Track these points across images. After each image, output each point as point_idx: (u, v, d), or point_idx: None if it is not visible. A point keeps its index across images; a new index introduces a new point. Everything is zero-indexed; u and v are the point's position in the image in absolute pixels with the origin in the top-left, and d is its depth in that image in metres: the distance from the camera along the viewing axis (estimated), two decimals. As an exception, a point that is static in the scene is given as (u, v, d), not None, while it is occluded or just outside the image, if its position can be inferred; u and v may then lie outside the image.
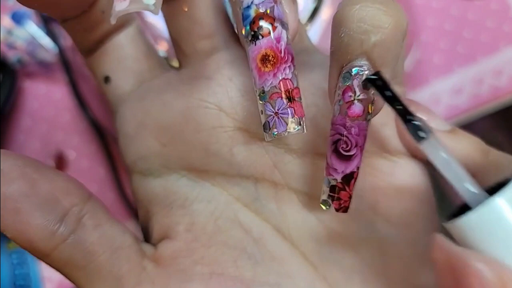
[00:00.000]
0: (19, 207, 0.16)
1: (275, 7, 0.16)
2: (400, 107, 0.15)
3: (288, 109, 0.16)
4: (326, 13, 0.28)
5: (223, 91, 0.18)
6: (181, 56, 0.20)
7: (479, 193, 0.14)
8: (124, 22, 0.20)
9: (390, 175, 0.19)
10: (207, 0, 0.19)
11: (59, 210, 0.16)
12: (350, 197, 0.17)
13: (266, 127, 0.16)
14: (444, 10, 0.41)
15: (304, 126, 0.16)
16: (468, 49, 0.41)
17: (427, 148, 0.15)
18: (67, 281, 0.41)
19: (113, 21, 0.16)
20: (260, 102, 0.16)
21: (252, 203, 0.19)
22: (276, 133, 0.16)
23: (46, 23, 0.39)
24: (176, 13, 0.19)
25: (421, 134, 0.15)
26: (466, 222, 0.14)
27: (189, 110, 0.18)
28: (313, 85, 0.18)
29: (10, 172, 0.16)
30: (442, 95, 0.41)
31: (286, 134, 0.16)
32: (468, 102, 0.41)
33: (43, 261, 0.17)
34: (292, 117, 0.16)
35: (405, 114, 0.15)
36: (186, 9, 0.19)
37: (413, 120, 0.15)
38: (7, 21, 0.40)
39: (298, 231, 0.19)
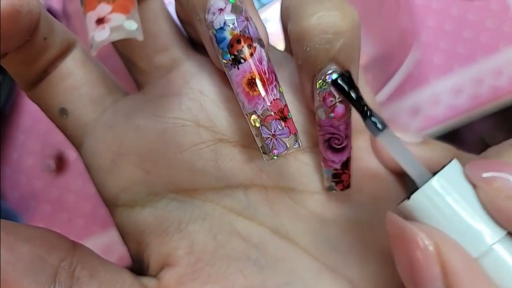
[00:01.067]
0: (6, 278, 0.14)
1: (249, 25, 0.16)
2: (361, 107, 0.16)
3: (284, 129, 0.16)
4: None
5: (196, 106, 0.18)
6: (138, 74, 0.19)
7: (427, 177, 0.16)
8: (67, 45, 0.18)
9: (370, 155, 0.20)
10: (157, 11, 0.18)
11: (48, 270, 0.15)
12: (349, 176, 0.18)
13: (266, 149, 0.16)
14: (444, 10, 0.41)
15: (300, 141, 0.17)
16: (468, 49, 0.41)
17: (383, 140, 0.16)
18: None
19: (93, 53, 0.15)
20: (254, 125, 0.16)
21: (245, 211, 0.19)
22: (277, 154, 0.16)
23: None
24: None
25: (378, 127, 0.16)
26: (411, 203, 0.16)
27: (166, 132, 0.18)
28: (284, 83, 0.18)
29: None
30: (442, 95, 0.41)
31: (287, 153, 0.16)
32: (468, 102, 0.41)
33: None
34: (288, 136, 0.16)
35: (364, 112, 0.16)
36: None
37: (371, 116, 0.16)
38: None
39: (294, 227, 0.19)
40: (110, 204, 0.19)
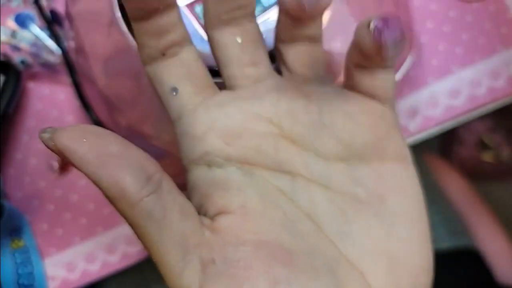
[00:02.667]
0: (118, 163, 0.19)
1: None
2: None
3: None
4: (325, 17, 0.29)
5: (272, 109, 0.23)
6: (229, 77, 0.24)
7: None
8: (187, 37, 0.23)
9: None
10: (257, 34, 0.23)
11: (146, 172, 0.20)
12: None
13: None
14: (442, 12, 0.41)
15: None
16: (466, 51, 0.41)
17: None
18: (70, 280, 0.42)
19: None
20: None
21: (289, 193, 0.23)
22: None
23: (49, 25, 0.40)
24: (229, 43, 0.23)
25: None
26: None
27: (248, 121, 0.23)
28: None
29: (108, 136, 0.20)
30: (440, 96, 0.41)
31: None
32: (466, 104, 0.41)
33: (126, 212, 0.20)
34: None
35: None
36: (239, 41, 0.23)
37: None
38: (10, 23, 0.40)
39: (324, 216, 0.23)
40: (192, 163, 0.23)
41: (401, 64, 0.33)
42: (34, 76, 0.42)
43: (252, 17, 0.23)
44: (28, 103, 0.42)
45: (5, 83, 0.40)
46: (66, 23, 0.34)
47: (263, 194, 0.22)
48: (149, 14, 0.21)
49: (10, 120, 0.42)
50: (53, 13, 0.41)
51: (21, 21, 0.40)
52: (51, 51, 0.40)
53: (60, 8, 0.42)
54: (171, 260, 0.20)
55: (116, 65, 0.30)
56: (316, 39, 0.24)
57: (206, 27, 0.23)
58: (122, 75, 0.30)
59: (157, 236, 0.20)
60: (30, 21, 0.40)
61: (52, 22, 0.40)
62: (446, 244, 0.57)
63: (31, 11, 0.41)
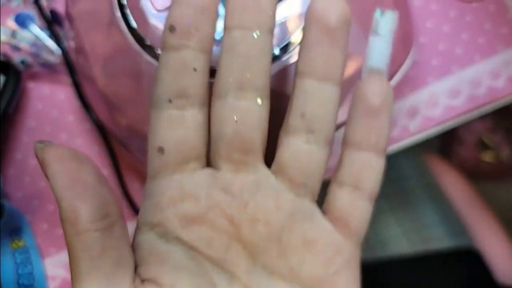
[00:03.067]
0: (83, 192, 0.20)
1: None
2: None
3: None
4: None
5: (238, 210, 0.23)
6: (215, 153, 0.23)
7: None
8: (199, 97, 0.23)
9: None
10: (256, 120, 0.22)
11: (104, 210, 0.20)
12: None
13: None
14: (442, 12, 0.41)
15: None
16: (466, 51, 0.41)
17: None
18: (69, 280, 0.42)
19: None
20: None
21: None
22: None
23: (50, 25, 0.40)
24: (226, 120, 0.22)
25: None
26: None
27: (211, 213, 0.23)
28: None
29: (89, 167, 0.21)
30: (440, 96, 0.41)
31: None
32: (466, 104, 0.41)
33: (70, 238, 0.20)
34: None
35: None
36: (236, 120, 0.22)
37: None
38: (10, 23, 0.40)
39: None
40: (146, 225, 0.23)
41: (401, 64, 0.33)
42: (34, 76, 0.42)
43: (267, 99, 0.22)
44: (28, 103, 0.42)
45: (5, 83, 0.40)
46: (66, 23, 0.34)
47: (197, 283, 0.22)
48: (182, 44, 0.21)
49: (10, 120, 0.42)
50: (53, 13, 0.41)
51: (21, 21, 0.40)
52: (51, 51, 0.40)
53: (59, 8, 0.42)
54: None
55: (116, 65, 0.30)
56: (324, 141, 0.23)
57: (213, 94, 0.23)
58: (122, 75, 0.30)
59: (85, 270, 0.20)
60: (30, 21, 0.40)
61: (52, 22, 0.40)
62: (446, 244, 0.57)
63: (31, 11, 0.41)
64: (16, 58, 0.40)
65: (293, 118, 0.23)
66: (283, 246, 0.23)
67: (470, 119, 0.42)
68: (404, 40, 0.33)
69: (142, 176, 0.42)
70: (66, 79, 0.41)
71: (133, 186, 0.41)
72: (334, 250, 0.23)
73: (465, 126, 0.94)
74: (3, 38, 0.40)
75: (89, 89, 0.32)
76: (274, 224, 0.23)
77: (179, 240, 0.22)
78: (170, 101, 0.22)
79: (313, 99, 0.22)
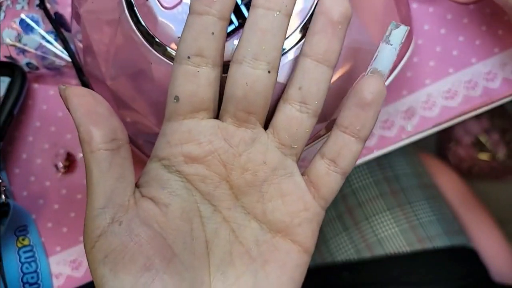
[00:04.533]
0: (98, 119, 0.25)
1: None
2: None
3: None
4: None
5: (232, 159, 0.27)
6: (224, 109, 0.27)
7: None
8: (215, 57, 0.26)
9: None
10: (268, 86, 0.26)
11: (114, 135, 0.25)
12: None
13: None
14: (439, 14, 0.42)
15: None
16: (464, 53, 0.42)
17: None
18: (75, 277, 0.42)
19: None
20: None
21: (205, 218, 0.28)
22: None
23: (55, 28, 0.40)
24: (238, 83, 0.26)
25: None
26: None
27: (209, 157, 0.27)
28: None
29: (102, 102, 0.26)
30: (437, 97, 0.42)
31: None
32: (462, 105, 0.42)
33: (85, 154, 0.25)
34: None
35: None
36: (246, 84, 0.26)
37: None
38: (15, 26, 0.41)
39: (216, 248, 0.28)
40: (156, 157, 0.27)
41: (398, 62, 0.34)
42: (39, 77, 0.43)
43: (275, 71, 0.26)
44: (33, 104, 0.43)
45: (11, 84, 0.40)
46: (73, 24, 0.34)
47: (186, 207, 0.27)
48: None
49: (16, 121, 0.42)
50: (58, 15, 0.41)
51: (26, 24, 0.41)
52: (56, 54, 0.40)
53: (62, 10, 0.42)
54: (94, 203, 0.25)
55: (125, 62, 0.30)
56: (313, 113, 0.27)
57: (231, 59, 0.26)
58: (131, 73, 0.30)
59: (95, 180, 0.25)
60: (35, 24, 0.41)
61: (57, 24, 0.40)
62: (442, 242, 0.57)
63: (36, 14, 0.41)
64: (21, 60, 0.41)
65: (291, 90, 0.27)
66: (262, 194, 0.28)
67: (467, 119, 0.43)
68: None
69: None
70: (71, 80, 0.42)
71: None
72: (303, 206, 0.28)
73: (462, 126, 0.95)
74: (9, 41, 0.40)
75: (97, 88, 0.33)
76: (260, 175, 0.28)
77: (179, 173, 0.27)
78: (188, 57, 0.25)
79: (310, 76, 0.26)
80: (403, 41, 0.27)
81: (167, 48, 0.29)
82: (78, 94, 0.25)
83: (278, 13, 0.25)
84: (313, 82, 0.26)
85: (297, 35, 0.29)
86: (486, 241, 0.63)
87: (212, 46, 0.25)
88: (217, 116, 0.28)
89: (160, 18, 0.29)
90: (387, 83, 0.33)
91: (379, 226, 0.58)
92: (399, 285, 0.56)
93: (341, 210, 0.60)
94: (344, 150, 0.27)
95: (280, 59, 0.26)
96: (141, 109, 0.31)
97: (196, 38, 0.25)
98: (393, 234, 0.57)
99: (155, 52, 0.29)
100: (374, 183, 0.60)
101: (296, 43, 0.29)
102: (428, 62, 0.42)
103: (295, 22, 0.29)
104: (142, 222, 0.26)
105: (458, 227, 0.60)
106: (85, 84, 0.38)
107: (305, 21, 0.29)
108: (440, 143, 0.99)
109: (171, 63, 0.29)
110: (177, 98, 0.26)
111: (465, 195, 0.66)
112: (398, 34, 0.27)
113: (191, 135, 0.27)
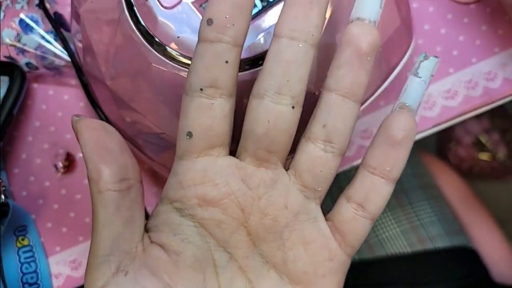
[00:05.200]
0: (107, 157, 0.23)
1: None
2: None
3: None
4: (327, 12, 0.29)
5: (251, 202, 0.25)
6: (243, 147, 0.25)
7: None
8: (228, 88, 0.24)
9: None
10: (287, 124, 0.24)
11: (124, 174, 0.23)
12: None
13: None
14: (440, 14, 0.42)
15: None
16: (464, 53, 0.42)
17: None
18: (74, 277, 0.42)
19: None
20: None
21: (219, 267, 0.25)
22: None
23: (55, 27, 0.40)
24: (259, 120, 0.24)
25: None
26: None
27: (226, 199, 0.25)
28: None
29: (115, 136, 0.24)
30: (437, 97, 0.42)
31: None
32: (463, 105, 0.42)
33: (93, 194, 0.23)
34: None
35: None
36: (269, 122, 0.24)
37: None
38: (15, 26, 0.41)
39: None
40: (167, 199, 0.25)
41: (398, 62, 0.34)
42: (38, 77, 0.43)
43: (299, 106, 0.24)
44: (33, 104, 0.43)
45: (10, 84, 0.40)
46: (73, 23, 0.34)
47: (199, 255, 0.25)
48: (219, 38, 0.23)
49: (15, 120, 0.42)
50: (57, 15, 0.41)
51: (26, 23, 0.41)
52: (56, 53, 0.40)
53: (62, 10, 0.42)
54: (99, 249, 0.23)
55: (124, 62, 0.30)
56: (339, 152, 0.25)
57: (251, 92, 0.24)
58: (131, 72, 0.30)
59: (101, 224, 0.23)
60: (34, 23, 0.41)
61: (56, 24, 0.40)
62: (443, 243, 0.57)
63: (36, 13, 0.41)
64: (21, 60, 0.41)
65: (315, 127, 0.25)
66: (283, 241, 0.25)
67: (467, 119, 0.43)
68: (406, 28, 0.34)
69: (150, 172, 0.42)
70: (71, 80, 0.42)
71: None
72: (328, 256, 0.26)
73: (462, 126, 0.95)
74: (8, 41, 0.40)
75: (97, 88, 0.33)
76: (280, 220, 0.25)
77: (193, 217, 0.25)
78: (201, 89, 0.23)
79: (335, 112, 0.24)
80: (433, 73, 0.25)
81: (167, 48, 0.29)
82: (90, 127, 0.23)
83: (303, 43, 0.23)
84: (339, 119, 0.24)
85: None
86: (486, 241, 0.63)
87: (227, 76, 0.23)
88: (230, 151, 0.26)
89: (160, 18, 0.29)
90: (386, 84, 0.33)
91: (380, 227, 0.58)
92: (400, 285, 0.56)
93: None
94: (373, 193, 0.25)
95: (305, 92, 0.24)
96: (141, 109, 0.31)
97: (209, 68, 0.23)
98: (394, 235, 0.57)
99: (155, 52, 0.29)
100: None
101: None
102: (428, 62, 0.42)
103: None
104: (150, 272, 0.24)
105: (458, 227, 0.60)
106: (84, 84, 0.38)
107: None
108: (440, 143, 0.98)
109: (171, 63, 0.29)
110: (190, 134, 0.24)
111: (466, 195, 0.66)
112: (428, 66, 0.25)
113: (207, 175, 0.24)
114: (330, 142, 0.24)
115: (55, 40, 0.40)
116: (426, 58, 0.25)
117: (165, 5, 0.29)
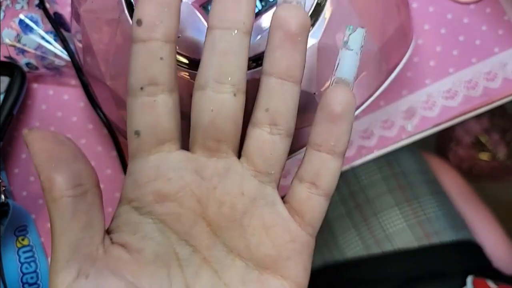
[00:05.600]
0: (59, 166, 0.23)
1: None
2: None
3: None
4: (327, 12, 0.29)
5: (207, 192, 0.25)
6: (193, 140, 0.25)
7: None
8: (169, 83, 0.24)
9: None
10: (231, 112, 0.24)
11: (78, 180, 0.23)
12: None
13: None
14: (440, 14, 0.42)
15: None
16: (464, 53, 0.42)
17: None
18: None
19: None
20: None
21: (183, 261, 0.25)
22: None
23: (55, 27, 0.40)
24: (203, 110, 0.24)
25: None
26: None
27: (182, 192, 0.25)
28: None
29: (67, 146, 0.23)
30: (437, 97, 0.42)
31: None
32: (463, 105, 0.42)
33: (47, 203, 0.23)
34: None
35: None
36: (212, 110, 0.24)
37: None
38: (15, 26, 0.41)
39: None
40: (125, 199, 0.25)
41: (398, 62, 0.34)
42: (38, 77, 0.43)
43: (241, 92, 0.24)
44: (33, 104, 0.43)
45: (10, 84, 0.40)
46: (73, 23, 0.34)
47: (161, 251, 0.25)
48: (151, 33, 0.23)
49: (15, 120, 0.42)
50: (57, 15, 0.41)
51: (25, 24, 0.41)
52: (56, 54, 0.40)
53: (62, 10, 0.42)
54: (58, 256, 0.23)
55: (124, 61, 0.30)
56: (286, 133, 0.25)
57: (194, 85, 0.25)
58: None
59: (59, 231, 0.23)
60: (34, 24, 0.41)
61: (56, 24, 0.40)
62: (449, 237, 0.58)
63: (35, 13, 0.41)
64: (21, 60, 0.41)
65: (259, 112, 0.25)
66: (244, 228, 0.26)
67: (467, 119, 0.43)
68: (406, 28, 0.34)
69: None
70: (71, 80, 0.42)
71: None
72: (289, 237, 0.26)
73: (462, 126, 0.95)
74: (8, 41, 0.40)
75: (97, 88, 0.33)
76: (238, 207, 0.25)
77: (151, 214, 0.25)
78: (142, 88, 0.23)
79: (276, 96, 0.24)
80: (363, 44, 0.25)
81: None
82: (39, 138, 0.23)
83: (236, 31, 0.23)
84: (281, 101, 0.24)
85: None
86: (487, 233, 0.63)
87: (164, 72, 0.23)
88: (183, 145, 0.26)
89: None
90: (386, 84, 0.33)
91: (388, 222, 0.58)
92: (407, 280, 0.56)
93: (350, 207, 0.60)
94: (323, 170, 0.25)
95: (245, 79, 0.24)
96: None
97: (145, 67, 0.23)
98: (401, 229, 0.58)
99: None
100: (383, 179, 0.60)
101: None
102: (428, 62, 0.42)
103: None
104: (112, 272, 0.24)
105: (462, 222, 0.61)
106: (84, 83, 0.38)
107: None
108: (440, 143, 0.98)
109: None
110: (137, 133, 0.24)
111: (467, 193, 0.67)
112: (357, 37, 0.25)
113: (160, 171, 0.24)
114: (276, 125, 0.25)
115: (55, 40, 0.40)
116: (354, 30, 0.25)
117: (165, 5, 0.29)
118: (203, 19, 0.28)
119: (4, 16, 0.41)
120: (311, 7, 0.29)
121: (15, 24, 0.41)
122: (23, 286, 0.42)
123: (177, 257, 0.25)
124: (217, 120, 0.24)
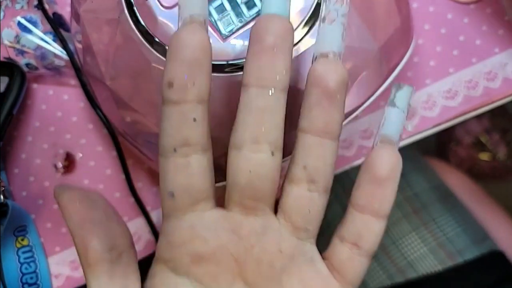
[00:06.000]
0: (92, 229, 0.23)
1: None
2: None
3: None
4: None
5: (244, 251, 0.24)
6: (229, 199, 0.24)
7: None
8: (201, 143, 0.23)
9: None
10: (268, 171, 0.24)
11: (112, 243, 0.23)
12: None
13: None
14: (440, 14, 0.42)
15: None
16: (464, 53, 0.42)
17: None
18: (74, 277, 0.42)
19: None
20: None
21: None
22: None
23: (54, 28, 0.40)
24: (240, 170, 0.23)
25: None
26: None
27: (218, 252, 0.24)
28: None
29: (99, 204, 0.24)
30: (437, 97, 0.42)
31: None
32: (463, 105, 0.42)
33: (83, 266, 0.23)
34: None
35: None
36: (250, 171, 0.23)
37: None
38: (14, 26, 0.41)
39: None
40: (161, 258, 0.25)
41: (398, 62, 0.34)
42: (38, 77, 0.43)
43: (279, 150, 0.24)
44: (33, 104, 0.43)
45: (10, 84, 0.40)
46: (73, 24, 0.34)
47: None
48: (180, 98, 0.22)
49: (15, 120, 0.42)
50: (56, 15, 0.41)
51: (25, 24, 0.41)
52: (55, 54, 0.40)
53: (61, 10, 0.42)
54: None
55: (124, 62, 0.30)
56: (324, 189, 0.24)
57: (229, 144, 0.24)
58: (130, 72, 0.30)
59: None
60: (33, 24, 0.41)
61: (55, 24, 0.40)
62: (471, 254, 0.56)
63: (35, 14, 0.41)
64: (21, 61, 0.41)
65: (296, 169, 0.24)
66: (282, 286, 0.25)
67: (467, 119, 0.43)
68: (406, 28, 0.34)
69: (149, 172, 0.42)
70: (70, 80, 0.42)
71: (140, 181, 0.41)
72: None
73: (462, 126, 0.95)
74: (7, 41, 0.40)
75: (96, 88, 0.33)
76: (277, 265, 0.24)
77: (188, 274, 0.24)
78: (175, 150, 0.23)
79: (314, 153, 0.24)
80: (410, 102, 0.25)
81: (167, 47, 0.29)
82: (72, 200, 0.23)
83: (273, 90, 0.23)
84: (319, 159, 0.24)
85: (303, 30, 0.29)
86: (505, 233, 0.62)
87: (197, 133, 0.23)
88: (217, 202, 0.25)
89: (159, 18, 0.29)
90: (386, 84, 0.33)
91: (407, 249, 0.57)
92: None
93: None
94: (366, 231, 0.25)
95: (282, 137, 0.24)
96: (140, 109, 0.31)
97: (178, 128, 0.23)
98: (422, 254, 0.56)
99: (155, 52, 0.29)
100: (396, 205, 0.59)
101: (303, 36, 0.28)
102: (428, 62, 0.42)
103: (297, 20, 0.29)
104: None
105: (484, 233, 0.60)
106: (84, 83, 0.38)
107: (307, 18, 0.29)
108: (440, 143, 0.98)
109: None
110: (172, 194, 0.24)
111: (477, 193, 0.66)
112: (404, 95, 0.24)
113: (195, 232, 0.24)
114: (313, 182, 0.24)
115: (54, 40, 0.40)
116: (401, 87, 0.25)
117: (165, 4, 0.29)
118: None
119: (4, 16, 0.41)
120: (311, 7, 0.29)
121: (14, 24, 0.41)
122: (22, 286, 0.42)
123: None
124: (255, 181, 0.23)
